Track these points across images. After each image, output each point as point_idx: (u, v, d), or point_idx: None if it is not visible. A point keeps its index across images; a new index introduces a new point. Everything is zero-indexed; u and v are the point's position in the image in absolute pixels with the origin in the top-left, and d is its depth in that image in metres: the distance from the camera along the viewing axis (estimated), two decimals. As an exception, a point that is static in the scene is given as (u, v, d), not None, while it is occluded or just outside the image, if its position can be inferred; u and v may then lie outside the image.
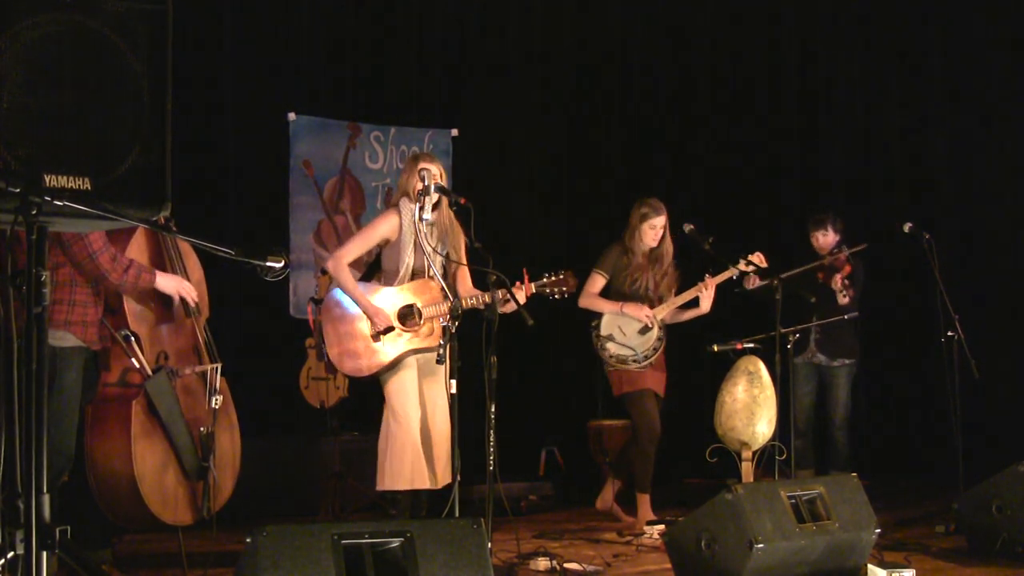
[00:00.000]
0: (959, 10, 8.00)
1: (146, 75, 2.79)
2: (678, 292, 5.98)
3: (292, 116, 7.07)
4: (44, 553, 2.67)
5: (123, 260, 4.15)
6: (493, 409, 4.10)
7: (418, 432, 4.75)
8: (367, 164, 7.35)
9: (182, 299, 4.45)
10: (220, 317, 4.75)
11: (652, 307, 5.92)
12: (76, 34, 2.69)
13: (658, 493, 6.21)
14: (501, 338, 4.11)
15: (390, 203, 5.18)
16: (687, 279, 6.00)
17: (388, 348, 4.79)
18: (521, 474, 6.87)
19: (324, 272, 5.40)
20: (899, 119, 8.35)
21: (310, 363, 6.13)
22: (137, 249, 4.40)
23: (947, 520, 5.55)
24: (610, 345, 5.92)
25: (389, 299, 4.83)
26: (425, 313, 4.79)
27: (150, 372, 4.32)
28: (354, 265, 4.96)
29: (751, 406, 5.78)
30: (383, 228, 4.92)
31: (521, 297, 4.73)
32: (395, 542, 3.13)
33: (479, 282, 4.88)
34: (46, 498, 2.68)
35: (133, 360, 4.29)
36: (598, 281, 6.01)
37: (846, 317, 6.37)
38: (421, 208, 4.54)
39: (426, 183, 4.50)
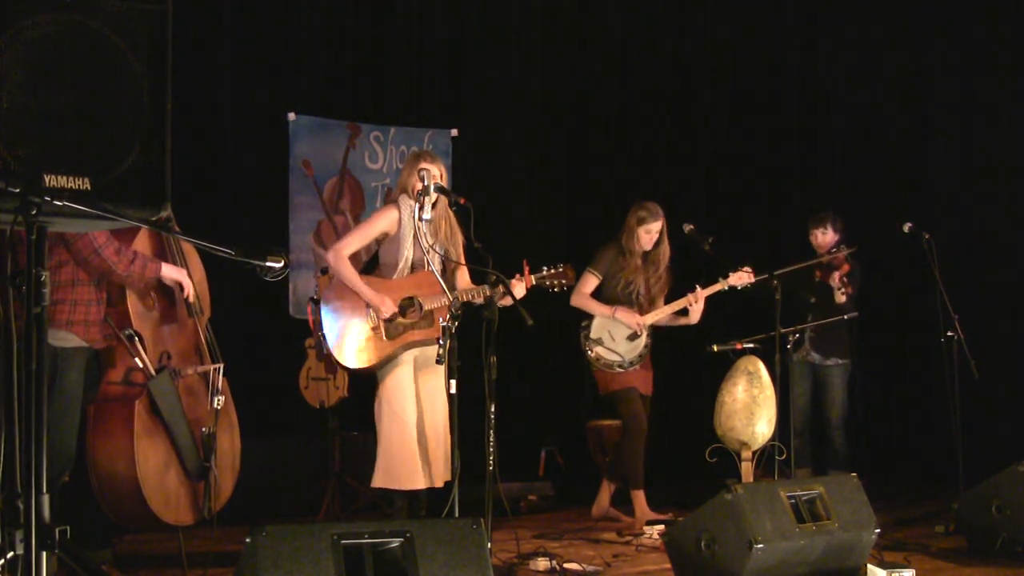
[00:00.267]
0: (959, 10, 7.99)
1: (146, 75, 2.79)
2: (668, 298, 6.04)
3: (292, 116, 7.06)
4: (44, 553, 2.67)
5: (128, 252, 4.15)
6: (493, 409, 4.10)
7: (414, 430, 4.76)
8: (367, 164, 7.35)
9: (185, 299, 4.46)
10: (219, 317, 4.75)
11: (643, 312, 5.98)
12: (76, 34, 2.69)
13: (658, 493, 6.21)
14: (501, 338, 4.11)
15: (389, 199, 5.20)
16: (682, 284, 6.04)
17: (387, 342, 4.80)
18: (521, 474, 6.88)
19: (324, 272, 5.41)
20: (899, 119, 8.35)
21: (310, 363, 6.13)
22: (140, 248, 4.39)
23: (947, 520, 5.55)
24: (599, 349, 5.98)
25: (390, 291, 4.84)
26: (426, 305, 4.80)
27: (153, 372, 4.32)
28: (352, 261, 4.97)
29: (751, 406, 5.78)
30: (382, 222, 4.94)
31: (521, 289, 4.77)
32: (395, 542, 3.13)
33: (479, 282, 4.89)
34: (46, 498, 2.68)
35: (136, 360, 4.29)
36: (591, 281, 6.04)
37: (845, 317, 6.38)
38: (420, 208, 4.54)
39: (425, 183, 4.51)
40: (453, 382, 4.14)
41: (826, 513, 4.29)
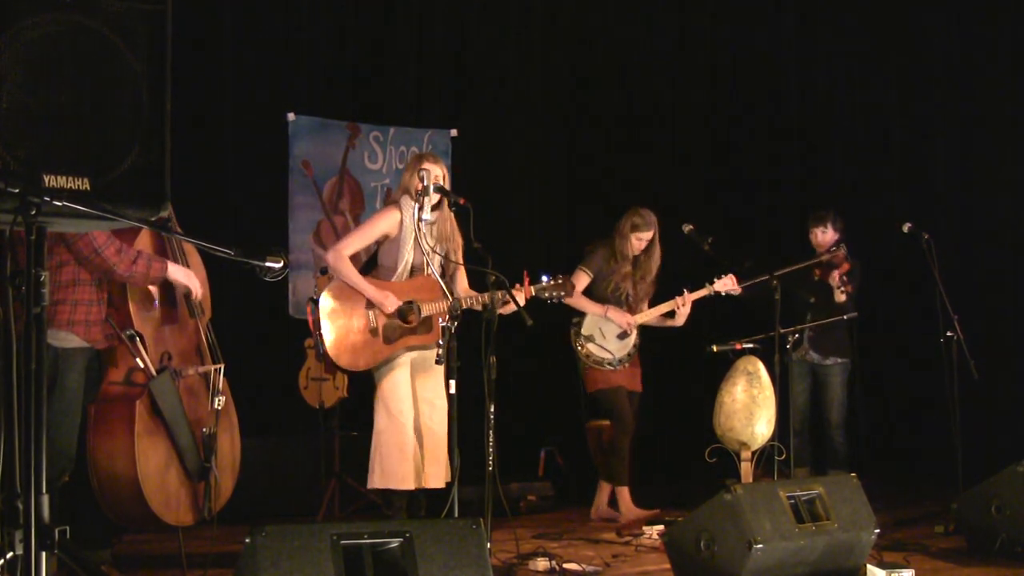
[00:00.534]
0: (960, 9, 7.99)
1: (145, 75, 2.79)
2: (656, 301, 6.16)
3: (291, 116, 7.06)
4: (43, 553, 2.67)
5: (130, 252, 4.14)
6: (492, 409, 4.10)
7: (412, 431, 4.76)
8: (366, 164, 7.35)
9: (187, 299, 4.46)
10: (219, 317, 4.75)
11: (631, 313, 6.11)
12: (76, 34, 2.69)
13: (658, 493, 6.21)
14: (500, 338, 4.11)
15: (390, 200, 5.20)
16: (679, 283, 6.13)
17: (385, 345, 4.80)
18: (520, 474, 6.88)
19: (323, 272, 5.41)
20: (899, 119, 8.35)
21: (309, 363, 6.13)
22: (143, 248, 4.39)
23: (946, 520, 5.55)
24: (590, 346, 6.09)
25: (391, 291, 4.84)
26: (424, 310, 4.80)
27: (154, 372, 4.31)
28: (351, 261, 4.96)
29: (750, 406, 5.79)
30: (384, 223, 4.94)
31: (520, 299, 4.75)
32: (394, 542, 3.13)
33: (478, 282, 4.89)
34: (45, 498, 2.68)
35: (137, 360, 4.28)
36: (583, 279, 6.14)
37: (845, 317, 6.37)
38: (420, 208, 4.54)
39: (425, 183, 4.51)
40: (453, 382, 4.14)
41: (825, 513, 4.29)
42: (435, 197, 4.62)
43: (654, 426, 7.31)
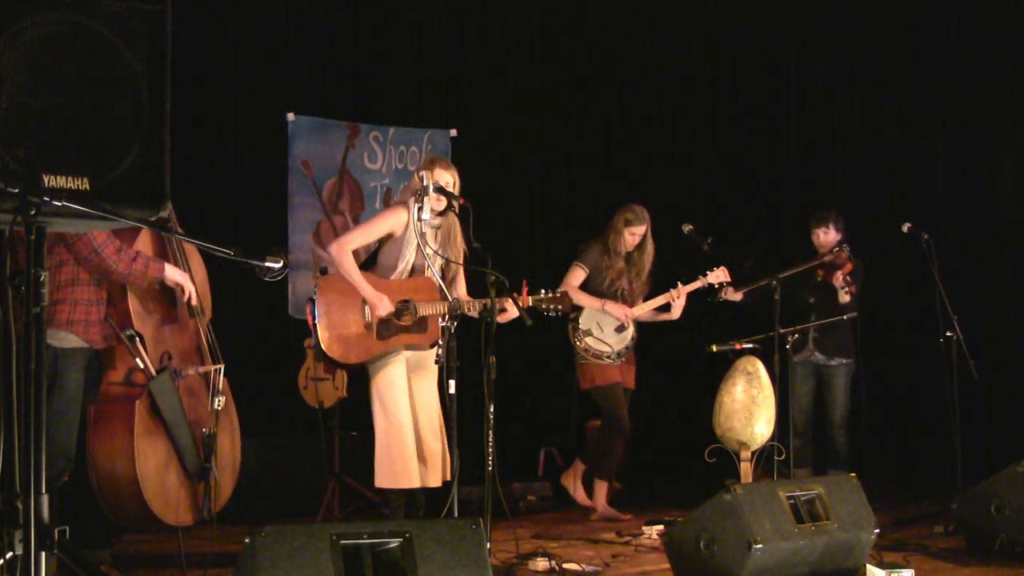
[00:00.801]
0: (960, 9, 7.99)
1: (145, 75, 2.79)
2: (647, 297, 6.20)
3: (291, 116, 7.06)
4: (43, 553, 2.67)
5: (129, 251, 4.14)
6: (492, 409, 4.10)
7: (411, 430, 4.76)
8: (366, 164, 7.35)
9: (187, 300, 4.46)
10: (219, 317, 4.75)
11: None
12: (75, 34, 2.69)
13: (658, 493, 6.21)
14: (500, 338, 4.11)
15: (397, 200, 5.20)
16: (668, 284, 6.15)
17: (378, 342, 4.80)
18: (520, 474, 6.87)
19: (323, 272, 5.40)
20: (899, 119, 8.35)
21: (309, 363, 6.12)
22: (142, 248, 4.39)
23: (946, 520, 5.55)
24: (589, 340, 6.13)
25: (388, 291, 4.84)
26: (420, 310, 4.80)
27: (154, 372, 4.31)
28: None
29: (750, 406, 5.79)
30: (390, 221, 4.94)
31: (517, 310, 4.77)
32: (394, 542, 3.13)
33: (478, 282, 4.88)
34: (45, 498, 2.68)
35: (137, 360, 4.28)
36: (579, 275, 6.19)
37: (845, 317, 6.37)
38: (420, 208, 4.54)
39: (425, 183, 4.51)
40: (452, 382, 4.13)
41: (825, 513, 4.29)
42: (442, 202, 4.63)
43: (654, 426, 7.31)
